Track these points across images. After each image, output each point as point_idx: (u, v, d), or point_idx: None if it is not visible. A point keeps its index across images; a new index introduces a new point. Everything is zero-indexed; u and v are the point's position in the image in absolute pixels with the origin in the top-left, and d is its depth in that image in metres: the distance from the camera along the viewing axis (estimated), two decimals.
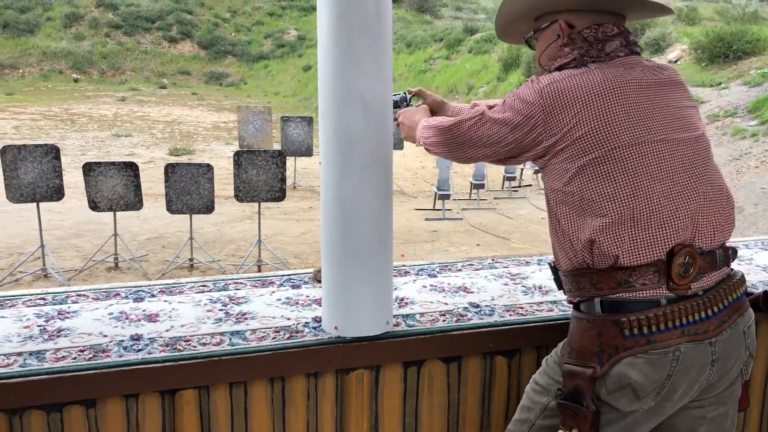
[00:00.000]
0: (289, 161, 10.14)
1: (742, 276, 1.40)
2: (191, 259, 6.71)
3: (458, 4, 35.73)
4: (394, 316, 1.64)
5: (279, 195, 6.57)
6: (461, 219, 9.33)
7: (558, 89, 1.30)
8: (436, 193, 9.48)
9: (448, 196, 9.37)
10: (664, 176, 1.28)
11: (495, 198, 10.68)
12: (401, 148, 10.87)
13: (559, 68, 1.38)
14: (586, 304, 1.34)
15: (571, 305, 1.41)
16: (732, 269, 1.40)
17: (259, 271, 6.52)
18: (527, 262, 2.13)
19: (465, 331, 1.62)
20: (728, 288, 1.34)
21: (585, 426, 1.28)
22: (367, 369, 1.57)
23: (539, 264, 2.11)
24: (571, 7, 1.39)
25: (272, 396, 1.51)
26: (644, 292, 1.27)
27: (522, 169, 11.44)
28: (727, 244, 1.38)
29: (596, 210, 1.28)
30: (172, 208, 6.37)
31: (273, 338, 1.53)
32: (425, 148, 1.55)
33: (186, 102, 23.68)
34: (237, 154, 6.49)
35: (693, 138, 1.35)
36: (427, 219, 9.30)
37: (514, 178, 11.13)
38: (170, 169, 6.29)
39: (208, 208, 6.43)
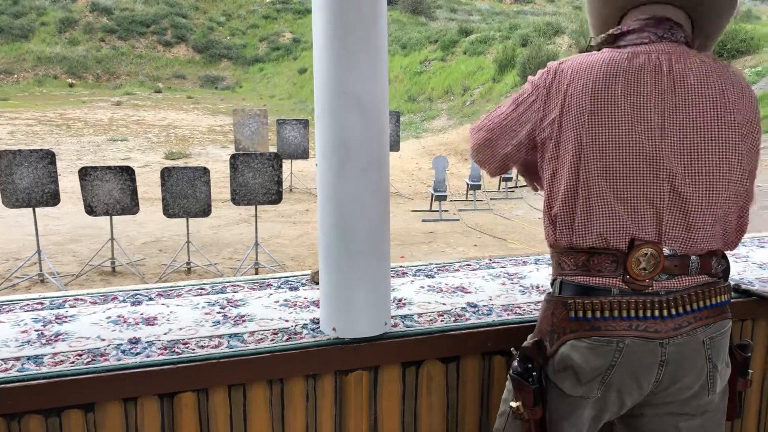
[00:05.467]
0: (286, 164, 10.14)
1: (727, 287, 1.34)
2: (188, 263, 6.71)
3: (453, 5, 35.80)
4: (392, 317, 1.64)
5: (275, 198, 6.57)
6: (458, 220, 9.34)
7: (559, 68, 1.34)
8: (432, 195, 9.49)
9: (444, 197, 9.38)
10: (638, 169, 1.25)
11: (491, 199, 10.69)
12: (397, 150, 10.90)
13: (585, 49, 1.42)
14: (553, 284, 1.37)
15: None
16: (716, 279, 1.33)
17: (257, 274, 6.51)
18: (524, 262, 2.14)
19: (463, 331, 1.62)
20: (698, 294, 1.29)
21: (529, 399, 1.31)
22: (365, 370, 1.57)
23: (536, 263, 2.12)
24: (626, 6, 1.37)
25: (271, 398, 1.51)
26: (599, 278, 1.28)
27: None
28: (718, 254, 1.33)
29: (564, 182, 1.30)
30: (168, 211, 6.37)
31: (271, 340, 1.53)
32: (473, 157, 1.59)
33: (181, 106, 23.65)
34: (233, 157, 6.48)
35: (702, 141, 1.27)
36: (423, 220, 9.31)
37: (510, 179, 11.14)
38: (166, 173, 6.29)
39: (205, 212, 6.42)
